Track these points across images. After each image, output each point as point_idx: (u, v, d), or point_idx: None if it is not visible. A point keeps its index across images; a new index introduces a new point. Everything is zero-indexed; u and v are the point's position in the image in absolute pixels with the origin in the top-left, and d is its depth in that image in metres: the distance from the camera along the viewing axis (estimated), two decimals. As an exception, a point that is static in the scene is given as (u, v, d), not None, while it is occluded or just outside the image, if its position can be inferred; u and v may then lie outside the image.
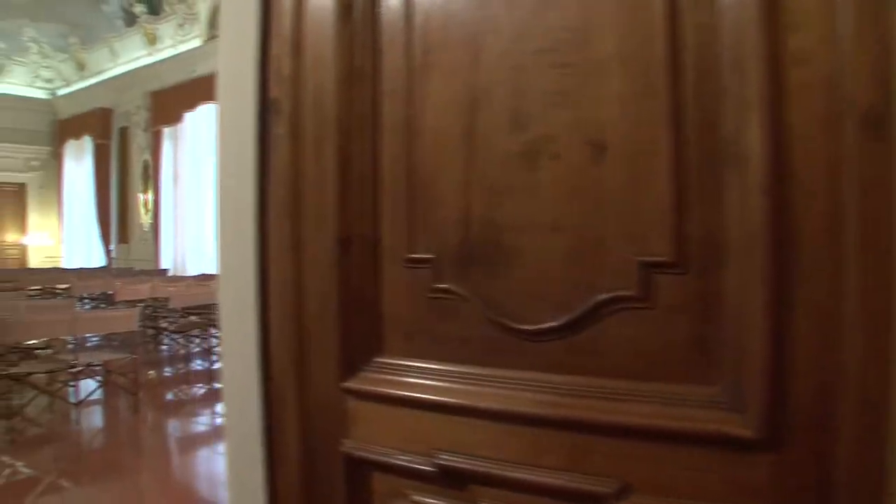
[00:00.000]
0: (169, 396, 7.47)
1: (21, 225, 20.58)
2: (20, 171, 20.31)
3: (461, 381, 1.22)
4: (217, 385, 7.88)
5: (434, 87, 1.25)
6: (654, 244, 1.05)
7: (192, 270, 14.88)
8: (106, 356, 6.83)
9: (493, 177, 1.18)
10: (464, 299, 1.22)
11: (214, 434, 6.29)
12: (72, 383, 6.76)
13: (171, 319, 9.32)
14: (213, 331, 9.08)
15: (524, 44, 1.15)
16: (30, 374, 6.06)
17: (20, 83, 19.82)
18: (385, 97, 1.31)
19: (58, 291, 12.03)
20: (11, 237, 20.49)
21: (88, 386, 7.05)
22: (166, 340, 9.76)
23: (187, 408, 7.11)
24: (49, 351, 6.91)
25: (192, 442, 6.16)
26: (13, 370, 5.95)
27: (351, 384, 1.32)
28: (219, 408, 6.96)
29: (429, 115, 1.26)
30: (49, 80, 20.07)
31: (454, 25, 1.23)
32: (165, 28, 15.94)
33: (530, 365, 1.15)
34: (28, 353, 6.64)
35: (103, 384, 6.99)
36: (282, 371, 1.42)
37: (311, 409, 1.38)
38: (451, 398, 1.21)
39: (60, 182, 20.19)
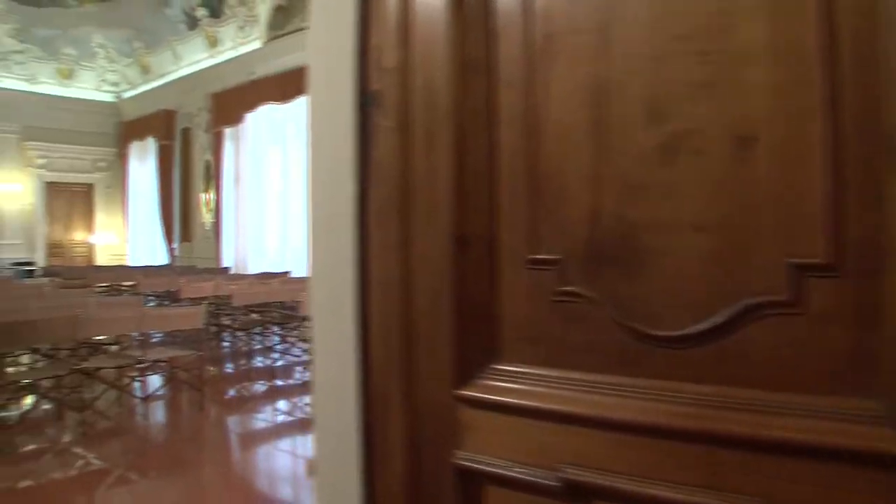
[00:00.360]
0: (231, 393, 7.55)
1: (88, 224, 21.18)
2: (88, 172, 20.91)
3: (588, 390, 1.14)
4: (278, 382, 7.95)
5: (558, 76, 1.18)
6: (806, 245, 0.97)
7: (252, 269, 15.06)
8: (172, 353, 6.93)
9: (627, 172, 1.10)
10: (592, 303, 1.14)
11: (275, 430, 6.35)
12: (139, 378, 6.89)
13: (233, 317, 9.42)
14: (274, 328, 9.17)
15: (661, 30, 1.07)
16: (99, 368, 6.18)
17: (88, 87, 20.40)
18: (501, 87, 1.25)
19: (124, 288, 12.31)
20: (80, 236, 21.10)
21: (154, 381, 7.19)
22: (227, 337, 9.86)
23: (249, 404, 7.18)
24: (115, 347, 7.05)
25: (255, 438, 6.21)
26: (84, 365, 6.07)
27: (465, 392, 1.26)
28: (280, 404, 7.01)
29: (552, 107, 1.18)
30: (115, 84, 20.60)
31: (580, 10, 1.15)
32: (226, 31, 16.19)
33: (666, 374, 1.07)
34: (97, 349, 6.79)
35: (168, 380, 7.10)
36: (384, 375, 1.37)
37: (419, 417, 1.32)
38: (578, 408, 1.14)
39: (125, 182, 20.72)
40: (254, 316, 9.31)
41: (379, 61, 1.37)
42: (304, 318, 7.72)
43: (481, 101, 1.26)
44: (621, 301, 1.11)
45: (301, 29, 14.10)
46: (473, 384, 1.26)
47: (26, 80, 19.29)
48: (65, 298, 8.04)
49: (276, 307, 9.36)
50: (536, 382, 1.20)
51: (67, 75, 19.99)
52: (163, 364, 6.97)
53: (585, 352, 1.15)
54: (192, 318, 6.39)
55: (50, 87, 19.71)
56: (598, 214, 1.13)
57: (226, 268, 14.96)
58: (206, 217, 17.33)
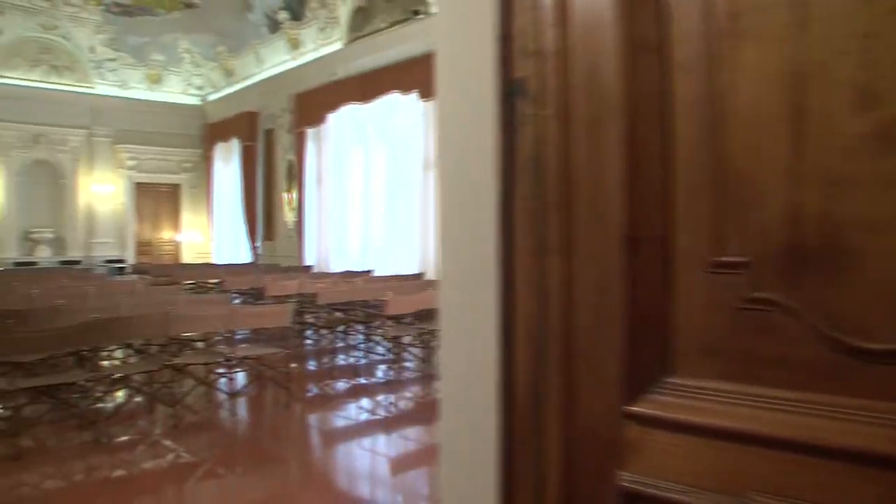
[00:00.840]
0: (315, 390, 7.62)
1: (175, 223, 21.88)
2: (174, 173, 21.60)
3: (784, 408, 1.01)
4: (361, 380, 7.97)
5: (746, 58, 1.05)
6: None
7: (334, 267, 15.24)
8: (260, 350, 7.03)
9: (832, 165, 0.97)
10: (789, 311, 1.01)
11: (358, 429, 6.35)
12: (226, 375, 7.00)
13: (316, 315, 9.50)
14: (357, 327, 9.21)
15: (875, 2, 0.93)
16: (188, 364, 6.30)
17: (175, 91, 21.08)
18: (676, 72, 1.12)
19: (209, 286, 12.61)
20: (166, 234, 21.81)
21: (240, 378, 7.29)
22: (310, 335, 9.95)
23: (333, 402, 7.23)
24: (201, 344, 7.18)
25: (338, 436, 6.24)
26: (175, 361, 6.20)
27: (634, 408, 1.14)
28: (363, 402, 7.02)
29: (740, 94, 1.05)
30: (200, 87, 21.20)
31: (773, -18, 1.01)
32: (307, 33, 16.42)
33: (881, 393, 0.93)
34: (186, 345, 6.93)
35: (254, 377, 7.19)
36: (531, 390, 1.26)
37: (577, 434, 1.20)
38: (772, 430, 1.00)
39: (210, 182, 21.33)
40: (337, 314, 9.38)
41: (524, 46, 1.26)
42: (389, 318, 7.72)
43: (653, 87, 1.13)
44: (826, 310, 0.98)
45: (380, 30, 14.22)
46: (644, 399, 1.14)
47: (119, 86, 20.08)
48: (155, 296, 8.25)
49: (359, 306, 9.41)
50: (718, 399, 1.07)
51: (156, 80, 20.67)
52: (249, 361, 7.08)
53: (777, 366, 1.02)
54: (281, 316, 6.46)
55: (140, 91, 20.49)
56: (798, 212, 1.00)
57: (308, 266, 15.17)
58: (289, 216, 17.63)
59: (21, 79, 18.64)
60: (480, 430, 1.32)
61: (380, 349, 8.66)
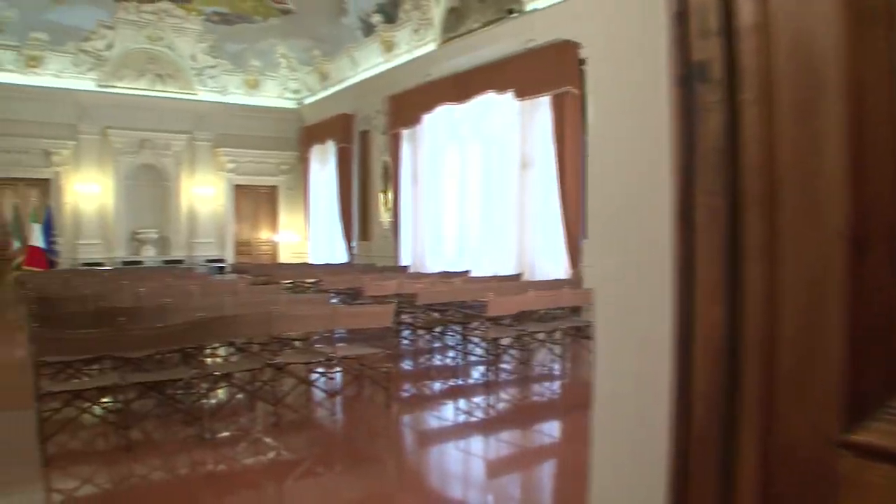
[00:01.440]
0: (412, 390, 7.52)
1: (272, 223, 22.37)
2: (272, 175, 22.10)
3: None
4: (459, 381, 7.84)
5: None
6: None
7: (430, 267, 15.21)
8: (360, 350, 7.00)
9: None
10: None
11: (455, 430, 6.21)
12: (326, 374, 6.96)
13: (413, 315, 9.41)
14: (454, 328, 9.07)
15: None
16: (289, 363, 6.28)
17: (272, 95, 21.54)
18: None
19: (306, 285, 12.77)
20: (264, 234, 22.32)
21: (339, 377, 7.26)
22: (406, 335, 9.85)
23: (430, 402, 7.11)
24: (299, 343, 7.19)
25: (435, 437, 6.10)
26: (277, 360, 6.20)
27: (854, 436, 0.93)
28: (460, 404, 6.89)
29: None
30: (296, 91, 21.59)
31: None
32: (401, 35, 16.46)
33: None
34: (286, 344, 6.94)
35: (354, 377, 7.15)
36: (713, 408, 1.07)
37: (774, 465, 1.01)
38: None
39: (306, 183, 21.67)
40: (435, 315, 9.29)
41: (705, 24, 1.07)
42: (489, 319, 7.55)
43: (881, 63, 0.94)
44: None
45: (473, 30, 14.11)
46: (865, 427, 0.93)
47: (218, 92, 20.67)
48: (257, 295, 8.33)
49: (455, 306, 9.31)
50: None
51: (253, 85, 21.17)
52: (348, 361, 7.05)
53: None
54: (382, 316, 6.38)
55: (238, 97, 21.04)
56: None
57: (404, 266, 15.17)
58: (385, 216, 17.71)
59: (129, 88, 19.54)
60: (645, 458, 1.15)
61: (477, 350, 8.51)
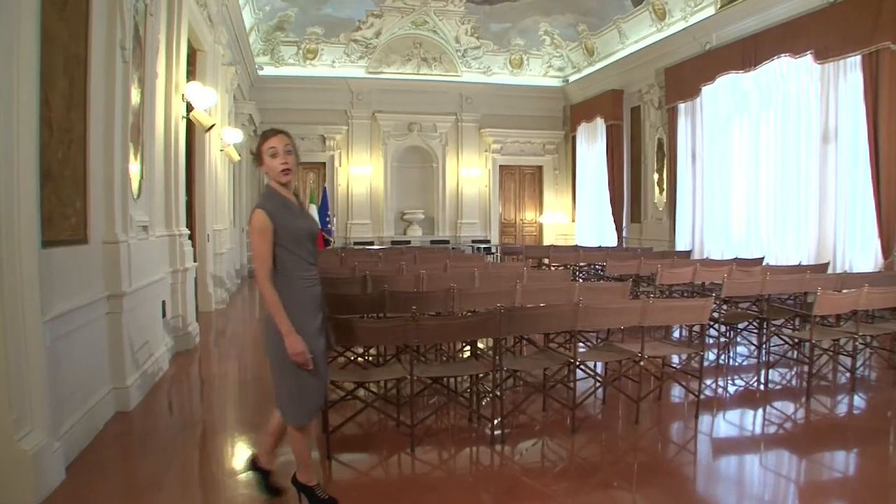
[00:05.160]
0: (723, 395, 6.67)
1: (537, 204, 22.21)
2: (537, 155, 21.96)
3: None
4: (769, 386, 6.91)
5: None
6: None
7: (712, 253, 14.12)
8: (668, 349, 6.39)
9: None
10: None
11: (754, 443, 5.38)
12: (627, 376, 6.29)
13: (716, 309, 8.33)
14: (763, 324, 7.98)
15: None
16: (581, 362, 5.78)
17: (536, 74, 21.31)
18: None
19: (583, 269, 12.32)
20: (529, 216, 22.21)
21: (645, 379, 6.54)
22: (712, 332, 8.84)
23: (741, 410, 6.25)
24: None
25: (746, 450, 5.22)
26: (580, 359, 5.73)
27: None
28: (767, 412, 6.02)
29: None
30: (560, 69, 21.16)
31: None
32: (674, 1, 15.32)
33: None
34: (575, 338, 6.41)
35: (658, 377, 6.50)
36: None
37: None
38: None
39: (573, 163, 21.22)
40: (739, 309, 8.38)
41: None
42: (809, 317, 6.53)
43: None
44: None
45: (763, -14, 12.68)
46: None
47: (483, 73, 20.87)
48: (546, 281, 7.94)
49: (753, 299, 8.31)
50: None
51: (517, 65, 21.05)
52: (656, 360, 6.43)
53: None
54: (700, 311, 5.64)
55: (502, 76, 21.11)
56: None
57: (685, 251, 14.16)
58: (659, 197, 16.80)
59: (397, 73, 20.43)
60: None
61: (791, 353, 7.48)
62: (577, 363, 5.65)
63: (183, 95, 8.80)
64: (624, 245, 17.47)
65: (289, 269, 3.61)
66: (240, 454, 5.00)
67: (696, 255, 14.17)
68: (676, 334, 9.07)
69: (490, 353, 5.67)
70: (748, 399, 6.53)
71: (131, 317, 5.98)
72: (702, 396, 6.01)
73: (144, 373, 6.31)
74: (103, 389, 5.45)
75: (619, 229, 18.36)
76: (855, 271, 9.17)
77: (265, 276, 3.56)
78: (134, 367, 6.03)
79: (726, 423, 5.90)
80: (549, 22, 19.49)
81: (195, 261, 9.35)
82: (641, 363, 5.78)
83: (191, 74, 10.00)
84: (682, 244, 15.40)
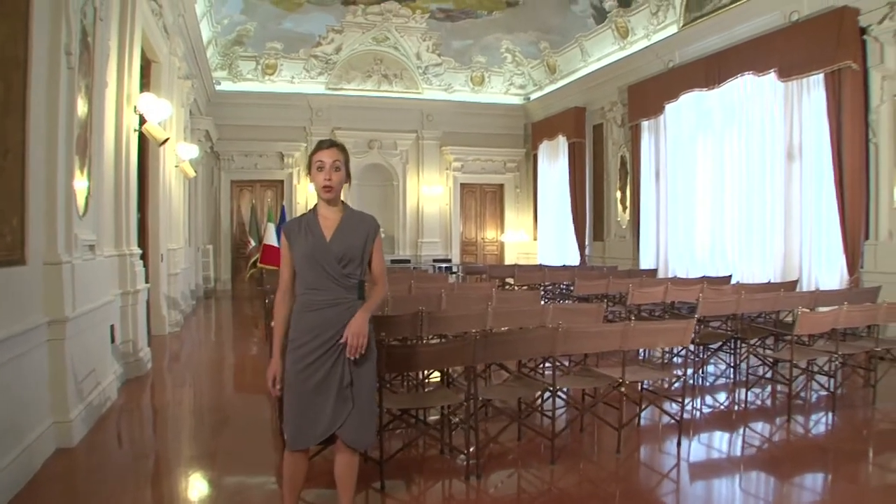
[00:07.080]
0: (707, 421, 6.42)
1: (498, 223, 22.03)
2: (498, 173, 21.83)
3: None
4: (736, 406, 6.71)
5: None
6: None
7: (677, 272, 14.02)
8: (648, 374, 6.12)
9: None
10: None
11: (732, 465, 5.20)
12: (606, 401, 5.98)
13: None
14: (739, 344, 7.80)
15: None
16: (559, 389, 5.48)
17: (497, 91, 21.16)
18: None
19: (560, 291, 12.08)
20: (490, 234, 22.02)
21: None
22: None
23: (706, 430, 6.03)
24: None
25: (709, 470, 4.99)
26: (558, 384, 5.43)
27: None
28: (743, 432, 5.81)
29: None
30: (522, 87, 21.12)
31: None
32: (637, 19, 15.38)
33: None
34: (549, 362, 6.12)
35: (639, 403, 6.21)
36: None
37: None
38: None
39: (534, 181, 21.03)
40: (710, 328, 8.19)
41: None
42: (790, 335, 6.36)
43: None
44: None
45: (724, 6, 12.70)
46: None
47: (444, 90, 20.71)
48: (515, 303, 7.65)
49: (725, 318, 8.14)
50: None
51: (479, 82, 20.95)
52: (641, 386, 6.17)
53: None
54: (681, 333, 5.41)
55: (463, 94, 21.00)
56: None
57: (651, 270, 14.03)
58: (622, 215, 16.70)
59: (357, 90, 20.16)
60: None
61: (760, 370, 7.29)
62: (556, 390, 5.35)
63: (135, 107, 8.36)
64: (587, 263, 17.30)
65: (300, 288, 3.62)
66: (196, 488, 4.64)
67: (661, 274, 14.07)
68: (643, 355, 8.81)
69: (461, 379, 5.36)
70: (727, 421, 6.31)
71: (75, 343, 5.50)
72: (682, 420, 5.75)
73: (90, 404, 5.84)
74: (42, 425, 4.97)
75: (581, 247, 18.21)
76: (822, 289, 9.05)
77: (278, 293, 3.67)
78: (78, 399, 5.55)
79: (709, 448, 5.66)
80: (510, 39, 19.40)
81: (147, 282, 8.87)
82: (622, 388, 5.50)
83: (144, 86, 9.54)
84: (646, 262, 15.29)
